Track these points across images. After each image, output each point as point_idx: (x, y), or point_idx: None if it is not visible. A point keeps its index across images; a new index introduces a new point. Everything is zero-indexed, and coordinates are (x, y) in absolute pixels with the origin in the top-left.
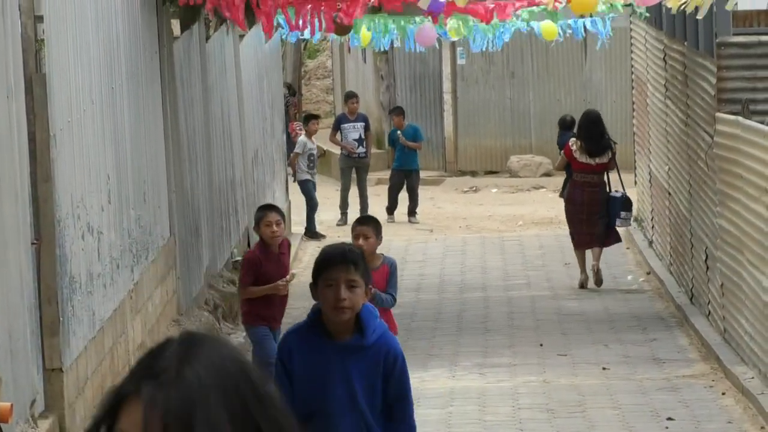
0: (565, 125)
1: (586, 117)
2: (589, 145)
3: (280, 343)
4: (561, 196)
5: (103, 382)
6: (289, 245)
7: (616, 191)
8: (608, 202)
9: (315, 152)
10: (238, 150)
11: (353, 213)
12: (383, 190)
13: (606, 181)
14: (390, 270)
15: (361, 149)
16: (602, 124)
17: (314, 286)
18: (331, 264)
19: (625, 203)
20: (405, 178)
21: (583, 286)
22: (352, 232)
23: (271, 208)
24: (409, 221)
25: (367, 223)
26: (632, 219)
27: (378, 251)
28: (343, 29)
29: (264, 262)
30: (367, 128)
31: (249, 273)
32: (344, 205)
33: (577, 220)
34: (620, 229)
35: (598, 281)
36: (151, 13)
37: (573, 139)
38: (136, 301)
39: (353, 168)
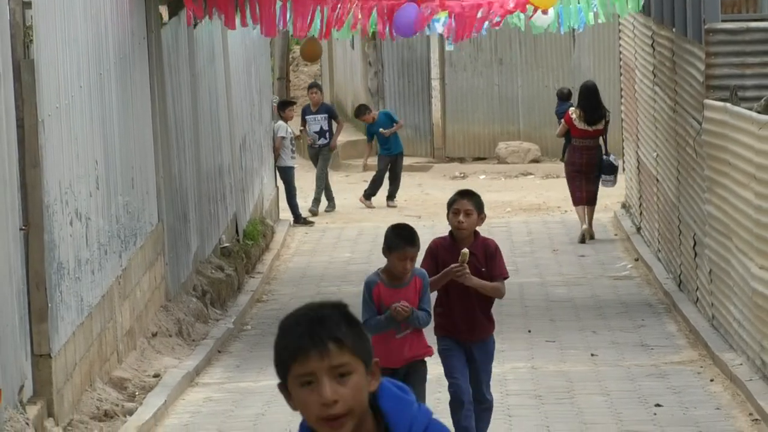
0: (563, 96)
1: (584, 88)
2: (587, 113)
3: None
4: (562, 159)
5: (91, 368)
6: (485, 247)
7: (608, 155)
8: (601, 164)
9: (293, 137)
10: (226, 136)
11: (326, 200)
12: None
13: (600, 144)
14: (423, 284)
15: (322, 140)
16: (598, 94)
17: (284, 388)
18: (298, 351)
19: (610, 167)
20: (391, 162)
21: (583, 238)
22: (449, 208)
23: (464, 194)
24: (387, 205)
25: (467, 196)
26: (615, 182)
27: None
28: (311, 54)
29: (443, 252)
30: (333, 117)
31: (426, 259)
32: (327, 192)
33: (576, 180)
34: (609, 218)
35: (591, 236)
36: None
37: (572, 108)
38: (125, 287)
39: (318, 156)
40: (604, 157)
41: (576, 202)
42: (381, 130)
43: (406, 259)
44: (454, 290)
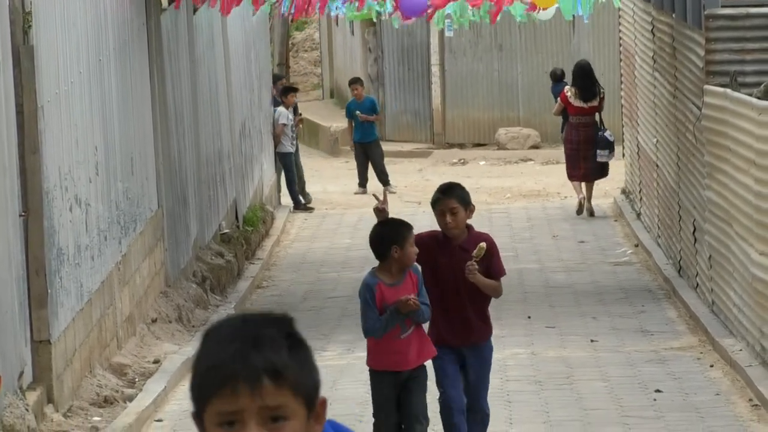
0: (556, 77)
1: (578, 67)
2: (582, 91)
3: None
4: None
5: (91, 354)
6: (481, 243)
7: (603, 131)
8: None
9: (293, 124)
10: (226, 122)
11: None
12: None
13: (596, 121)
14: (419, 277)
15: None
16: (592, 72)
17: (199, 420)
18: (222, 382)
19: (605, 142)
20: (365, 150)
21: (580, 206)
22: (434, 208)
23: (446, 191)
24: (385, 191)
25: (449, 193)
26: (613, 156)
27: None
28: None
29: (434, 247)
30: (295, 112)
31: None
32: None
33: (574, 156)
34: (609, 203)
35: (591, 213)
36: None
37: (568, 86)
38: (124, 273)
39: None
40: (600, 133)
41: (572, 178)
42: (358, 112)
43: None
44: (447, 292)
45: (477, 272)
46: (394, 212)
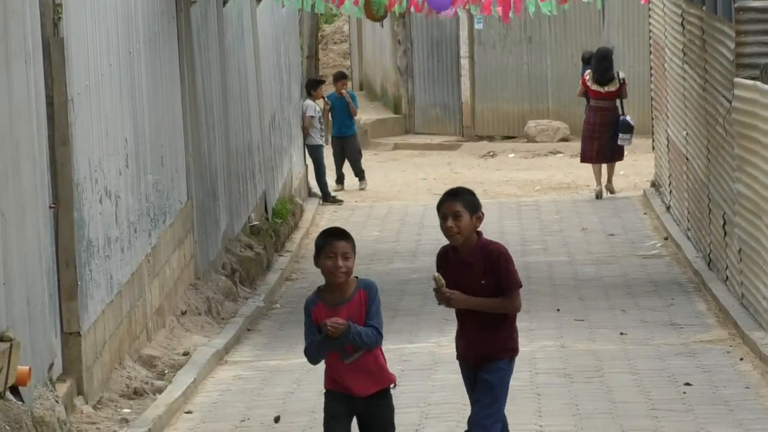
0: (586, 60)
1: (597, 52)
2: (597, 76)
3: None
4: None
5: (121, 346)
6: (486, 254)
7: (624, 116)
8: (616, 124)
9: (321, 116)
10: (255, 114)
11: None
12: (401, 155)
13: (617, 106)
14: (369, 295)
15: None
16: (609, 59)
17: None
18: None
19: (625, 126)
20: (342, 144)
21: (598, 196)
22: (438, 213)
23: (451, 194)
24: (359, 188)
25: (454, 196)
26: (632, 140)
27: (356, 263)
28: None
29: (445, 267)
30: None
31: (437, 269)
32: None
33: (589, 137)
34: (639, 196)
35: (611, 191)
36: None
37: (588, 71)
38: (154, 265)
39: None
40: (621, 117)
41: (584, 159)
42: (344, 92)
43: (336, 256)
44: (458, 309)
45: (452, 299)
46: (422, 204)
